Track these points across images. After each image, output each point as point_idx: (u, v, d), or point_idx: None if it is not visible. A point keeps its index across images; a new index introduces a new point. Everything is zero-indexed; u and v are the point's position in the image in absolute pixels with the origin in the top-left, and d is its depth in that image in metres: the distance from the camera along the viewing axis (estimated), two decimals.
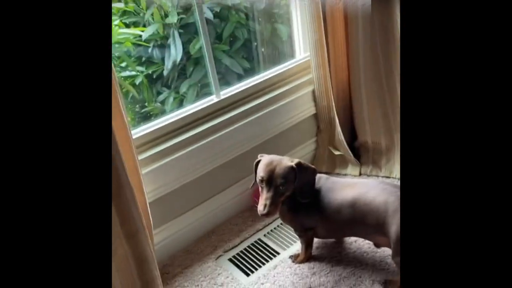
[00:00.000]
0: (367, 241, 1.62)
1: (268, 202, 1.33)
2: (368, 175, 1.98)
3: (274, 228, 1.78)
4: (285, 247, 1.68)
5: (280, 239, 1.73)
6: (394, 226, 1.28)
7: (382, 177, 1.95)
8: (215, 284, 1.56)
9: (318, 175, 1.47)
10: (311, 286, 1.49)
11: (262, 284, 1.53)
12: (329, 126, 2.00)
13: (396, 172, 1.93)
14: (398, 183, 1.45)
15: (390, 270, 1.50)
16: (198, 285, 1.56)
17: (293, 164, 1.37)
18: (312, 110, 2.00)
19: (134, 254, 1.27)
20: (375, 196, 1.34)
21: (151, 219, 1.45)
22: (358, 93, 1.92)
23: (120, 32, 1.80)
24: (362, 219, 1.36)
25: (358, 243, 1.63)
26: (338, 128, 1.93)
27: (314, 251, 1.61)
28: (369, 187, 1.38)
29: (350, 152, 1.96)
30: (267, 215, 1.34)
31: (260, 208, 1.34)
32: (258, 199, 1.85)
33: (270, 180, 1.35)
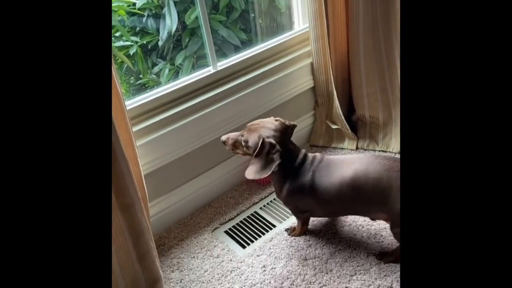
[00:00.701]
0: None
1: (231, 137, 1.46)
2: (365, 149, 1.97)
3: (271, 201, 1.79)
4: (281, 220, 1.69)
5: (277, 212, 1.74)
6: (398, 201, 1.26)
7: (379, 151, 1.94)
8: (211, 256, 1.57)
9: (311, 156, 1.43)
10: (307, 258, 1.50)
11: (258, 256, 1.54)
12: (327, 100, 1.97)
13: (393, 146, 1.92)
14: (394, 156, 1.42)
15: (384, 243, 1.52)
16: (194, 257, 1.58)
17: (260, 139, 1.37)
18: (310, 83, 1.97)
19: (129, 226, 1.27)
20: (376, 173, 1.30)
21: (146, 191, 1.45)
22: (357, 67, 1.89)
23: None
24: (364, 198, 1.34)
25: (354, 216, 1.64)
26: (336, 102, 1.91)
27: (309, 224, 1.62)
28: (367, 163, 1.34)
29: (347, 126, 1.95)
30: (223, 142, 1.48)
31: (223, 136, 1.48)
32: None
33: (243, 132, 1.44)
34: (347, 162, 1.39)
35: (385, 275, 1.40)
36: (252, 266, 1.51)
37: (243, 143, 1.41)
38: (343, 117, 1.93)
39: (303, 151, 1.44)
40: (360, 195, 1.34)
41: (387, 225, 1.43)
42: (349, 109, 2.04)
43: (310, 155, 1.44)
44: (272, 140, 1.36)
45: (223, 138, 1.47)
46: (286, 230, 1.63)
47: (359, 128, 2.01)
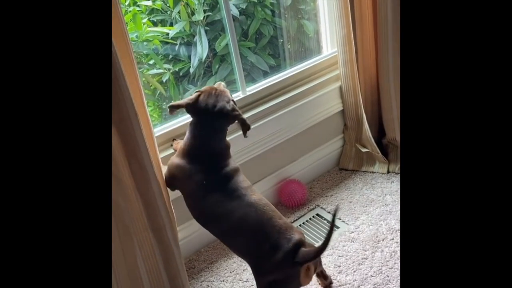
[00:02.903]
0: (395, 241, 1.59)
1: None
2: (396, 173, 1.93)
3: (299, 225, 1.77)
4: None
5: (307, 236, 1.71)
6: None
7: None
8: (240, 280, 1.56)
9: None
10: (337, 285, 1.47)
11: None
12: (356, 123, 1.96)
13: None
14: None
15: None
16: (223, 280, 1.57)
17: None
18: (339, 107, 1.97)
19: (160, 247, 1.29)
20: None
21: (174, 215, 1.47)
22: (387, 89, 1.88)
23: (148, 30, 1.83)
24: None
25: (385, 241, 1.59)
26: (366, 125, 1.90)
27: (340, 249, 1.59)
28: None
29: (377, 149, 1.93)
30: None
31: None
32: (284, 196, 1.85)
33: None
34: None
35: None
36: None
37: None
38: (373, 140, 1.91)
39: None
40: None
41: None
42: (379, 132, 2.02)
43: None
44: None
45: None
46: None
47: (390, 151, 1.98)
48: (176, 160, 1.31)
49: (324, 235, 1.59)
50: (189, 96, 1.32)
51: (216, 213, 1.23)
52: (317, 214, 1.81)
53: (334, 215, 1.15)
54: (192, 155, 1.27)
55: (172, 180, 1.33)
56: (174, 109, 1.29)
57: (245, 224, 1.19)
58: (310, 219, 1.79)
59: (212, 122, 1.27)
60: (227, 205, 1.21)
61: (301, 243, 1.19)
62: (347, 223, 1.72)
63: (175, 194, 1.58)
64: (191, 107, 1.28)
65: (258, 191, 1.32)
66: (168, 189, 1.42)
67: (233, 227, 1.21)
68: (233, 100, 1.31)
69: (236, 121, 1.29)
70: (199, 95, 1.29)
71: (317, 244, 1.66)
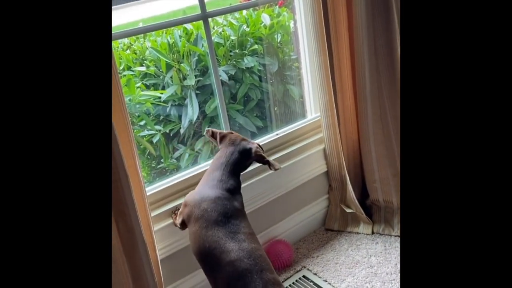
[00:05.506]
0: None
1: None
2: (381, 234, 1.96)
3: (289, 285, 1.75)
4: None
5: None
6: None
7: (395, 236, 1.93)
8: None
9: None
10: None
11: None
12: (340, 184, 2.02)
13: None
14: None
15: None
16: None
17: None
18: (323, 168, 2.04)
19: None
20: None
21: (162, 276, 1.46)
22: (368, 152, 1.96)
23: (141, 93, 1.91)
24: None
25: None
26: (349, 186, 1.95)
27: None
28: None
29: (361, 210, 1.97)
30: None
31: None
32: (271, 257, 1.85)
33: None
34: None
35: None
36: None
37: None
38: (356, 201, 1.96)
39: None
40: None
41: None
42: (363, 193, 2.08)
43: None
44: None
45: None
46: None
47: (374, 212, 2.02)
48: (194, 191, 1.44)
49: None
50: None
51: (213, 248, 1.25)
52: (304, 276, 1.80)
53: None
54: (209, 184, 1.39)
55: (184, 208, 1.41)
56: (210, 134, 1.55)
57: (235, 269, 1.20)
58: (296, 281, 1.78)
59: (235, 156, 1.44)
60: (224, 243, 1.25)
61: None
62: (333, 286, 1.72)
63: (165, 254, 1.58)
64: (223, 137, 1.51)
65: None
66: (156, 249, 1.42)
67: (224, 267, 1.22)
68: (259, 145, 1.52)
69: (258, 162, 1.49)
70: (230, 132, 1.53)
71: None
